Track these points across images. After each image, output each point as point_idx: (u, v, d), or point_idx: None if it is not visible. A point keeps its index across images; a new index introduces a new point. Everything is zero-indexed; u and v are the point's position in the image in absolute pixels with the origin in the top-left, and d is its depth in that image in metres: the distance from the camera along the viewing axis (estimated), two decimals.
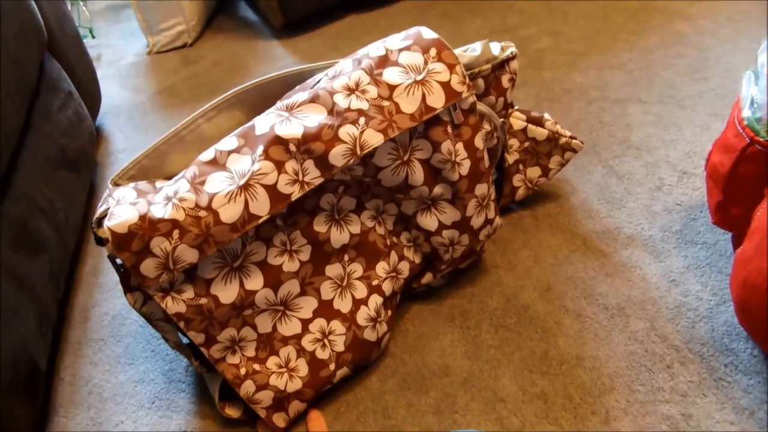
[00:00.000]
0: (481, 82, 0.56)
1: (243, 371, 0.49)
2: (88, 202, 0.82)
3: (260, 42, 1.16)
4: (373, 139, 0.47)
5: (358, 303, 0.52)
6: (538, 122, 0.64)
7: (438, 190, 0.52)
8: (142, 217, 0.43)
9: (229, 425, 0.53)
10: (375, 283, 0.53)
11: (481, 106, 0.55)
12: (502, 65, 0.57)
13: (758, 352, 0.51)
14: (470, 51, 0.56)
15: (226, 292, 0.46)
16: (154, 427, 0.54)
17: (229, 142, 0.47)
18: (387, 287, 0.54)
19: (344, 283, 0.52)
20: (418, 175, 0.50)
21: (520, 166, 0.66)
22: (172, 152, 0.53)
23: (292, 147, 0.45)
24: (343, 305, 0.52)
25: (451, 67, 0.49)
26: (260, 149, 0.45)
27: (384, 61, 0.50)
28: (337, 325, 0.51)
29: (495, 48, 0.57)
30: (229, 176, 0.45)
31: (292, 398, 0.50)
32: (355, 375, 0.55)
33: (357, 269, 0.52)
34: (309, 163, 0.46)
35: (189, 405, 0.55)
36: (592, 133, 0.77)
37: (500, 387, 0.52)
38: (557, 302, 0.58)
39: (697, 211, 0.64)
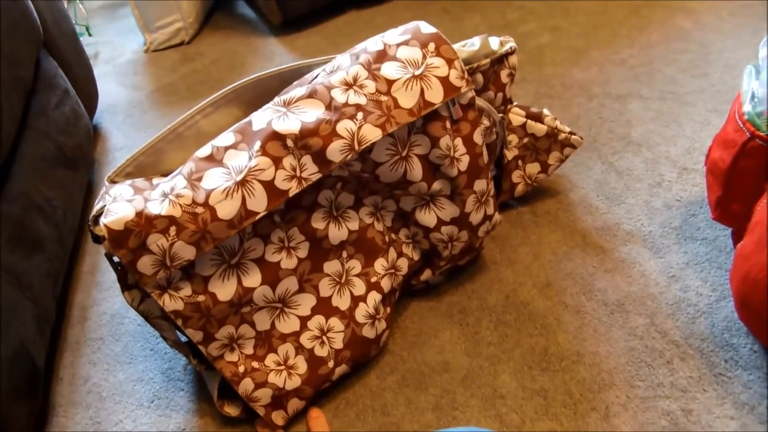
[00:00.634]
0: (479, 77, 0.56)
1: (241, 369, 0.49)
2: (86, 200, 0.81)
3: (258, 39, 1.16)
4: (371, 134, 0.46)
5: (356, 300, 0.52)
6: (538, 118, 0.64)
7: (437, 185, 0.51)
8: (139, 214, 0.43)
9: (228, 423, 0.53)
10: (374, 280, 0.53)
11: (480, 102, 0.55)
12: (501, 60, 0.57)
13: (758, 347, 0.51)
14: (469, 46, 0.56)
15: (224, 290, 0.46)
16: (153, 425, 0.54)
17: (226, 137, 0.47)
18: (386, 284, 0.53)
19: (343, 280, 0.52)
20: (416, 170, 0.50)
21: (519, 162, 0.65)
22: (170, 149, 0.53)
23: (290, 142, 0.45)
24: (342, 302, 0.51)
25: (450, 62, 0.49)
26: (257, 145, 0.45)
27: (382, 56, 0.49)
28: (335, 323, 0.51)
29: (494, 43, 0.57)
30: (226, 172, 0.45)
31: (291, 396, 0.50)
32: (354, 372, 0.54)
33: (355, 266, 0.52)
34: (307, 159, 0.45)
35: (188, 403, 0.55)
36: (591, 129, 0.77)
37: (500, 384, 0.52)
38: (557, 298, 0.58)
39: (696, 207, 0.64)
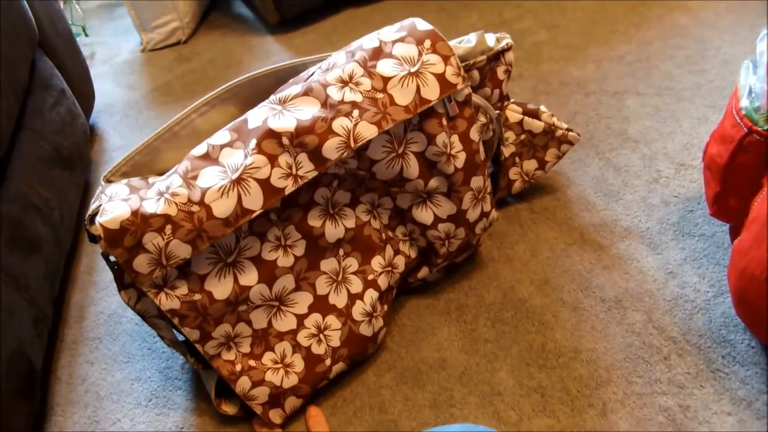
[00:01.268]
0: (476, 73, 0.56)
1: (238, 367, 0.48)
2: (83, 200, 0.81)
3: (255, 38, 1.16)
4: (367, 131, 0.46)
5: (353, 298, 0.52)
6: (535, 115, 0.64)
7: (433, 183, 0.51)
8: (134, 213, 0.43)
9: (226, 422, 0.53)
10: (370, 277, 0.53)
11: (476, 98, 0.55)
12: (497, 56, 0.57)
13: (756, 343, 0.51)
14: (465, 42, 0.56)
15: (221, 288, 0.46)
16: (151, 424, 0.54)
17: (222, 136, 0.47)
18: (383, 282, 0.53)
19: (339, 278, 0.52)
20: (413, 168, 0.50)
21: (517, 159, 0.65)
22: (165, 148, 0.52)
23: (285, 140, 0.45)
24: (339, 300, 0.51)
25: (446, 59, 0.49)
26: (253, 143, 0.45)
27: (378, 53, 0.49)
28: (332, 320, 0.51)
29: (490, 39, 0.57)
30: (221, 170, 0.45)
31: (288, 394, 0.50)
32: (351, 370, 0.54)
33: (352, 264, 0.52)
34: (302, 157, 0.45)
35: (186, 402, 0.55)
36: (589, 126, 0.77)
37: (497, 381, 0.51)
38: (554, 295, 0.58)
39: (694, 203, 0.64)
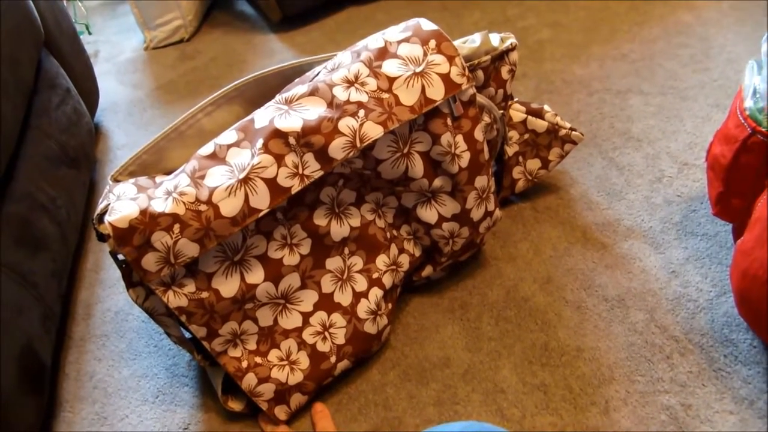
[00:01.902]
0: (480, 73, 0.56)
1: (245, 364, 0.49)
2: (89, 198, 0.82)
3: (258, 36, 1.16)
4: (373, 131, 0.46)
5: (358, 296, 0.52)
6: (538, 114, 0.64)
7: (438, 182, 0.52)
8: (143, 212, 0.43)
9: (232, 418, 0.53)
10: (375, 276, 0.53)
11: (480, 98, 0.55)
12: (501, 56, 0.57)
13: (758, 342, 0.51)
14: (469, 42, 0.56)
15: (227, 286, 0.46)
16: (158, 421, 0.54)
17: (229, 135, 0.47)
18: (387, 280, 0.54)
19: (344, 276, 0.52)
20: (417, 167, 0.50)
21: (520, 158, 0.65)
22: (172, 147, 0.53)
23: (292, 140, 0.45)
24: (344, 298, 0.52)
25: (451, 59, 0.49)
26: (260, 143, 0.45)
27: (383, 53, 0.49)
28: (337, 318, 0.52)
29: (494, 39, 0.57)
30: (228, 170, 0.45)
31: (294, 391, 0.51)
32: (356, 367, 0.55)
33: (357, 262, 0.53)
34: (309, 156, 0.46)
35: (192, 399, 0.56)
36: (592, 125, 0.77)
37: (500, 378, 0.52)
38: (557, 294, 0.58)
39: (697, 203, 0.64)
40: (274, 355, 0.50)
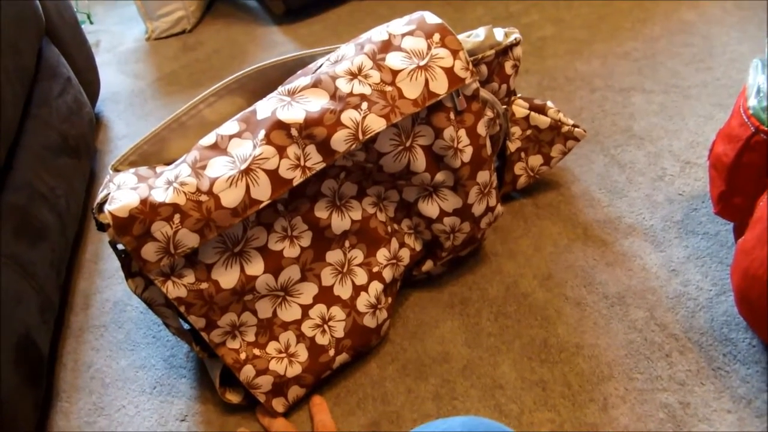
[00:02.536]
0: (484, 68, 0.56)
1: (243, 356, 0.49)
2: (89, 188, 0.81)
3: (260, 28, 1.15)
4: (376, 124, 0.46)
5: (358, 289, 0.52)
6: (541, 110, 0.64)
7: (440, 176, 0.51)
8: (143, 201, 0.43)
9: (230, 410, 0.53)
10: (375, 269, 0.53)
11: (484, 93, 0.54)
12: (505, 51, 0.57)
13: (757, 342, 0.51)
14: (474, 36, 0.56)
15: (227, 277, 0.46)
16: (155, 411, 0.54)
17: (231, 126, 0.47)
18: (387, 274, 0.54)
19: (345, 270, 0.52)
20: (420, 161, 0.50)
21: (522, 154, 0.65)
22: (173, 138, 0.53)
23: (294, 132, 0.45)
24: (344, 291, 0.52)
25: (455, 53, 0.49)
26: (261, 134, 0.45)
27: (387, 46, 0.49)
28: (337, 311, 0.51)
29: (498, 34, 0.56)
30: (230, 161, 0.45)
31: (292, 383, 0.51)
32: (354, 361, 0.55)
33: (358, 256, 0.52)
34: (311, 148, 0.45)
35: (190, 390, 0.56)
36: (594, 122, 0.77)
37: (499, 374, 0.52)
38: (557, 291, 0.58)
39: (699, 202, 0.64)
40: (272, 348, 0.50)
